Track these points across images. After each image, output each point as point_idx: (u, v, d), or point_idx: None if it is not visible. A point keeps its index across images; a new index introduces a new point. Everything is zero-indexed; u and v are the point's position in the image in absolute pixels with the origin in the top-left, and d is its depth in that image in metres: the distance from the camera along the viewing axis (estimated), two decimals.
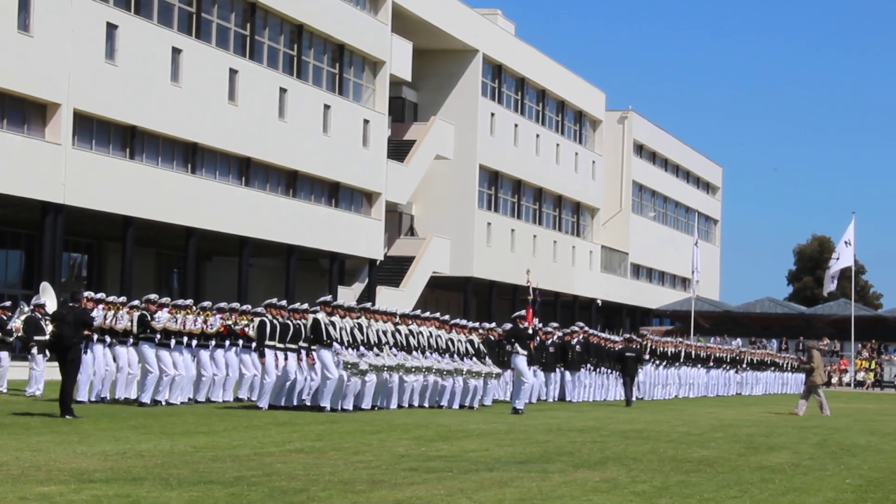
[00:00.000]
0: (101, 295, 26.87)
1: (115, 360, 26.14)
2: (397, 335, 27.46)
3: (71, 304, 21.90)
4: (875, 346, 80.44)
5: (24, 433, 17.84)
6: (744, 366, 53.52)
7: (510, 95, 72.02)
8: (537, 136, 74.74)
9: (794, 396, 54.39)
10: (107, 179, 42.74)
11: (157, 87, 45.03)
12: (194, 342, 26.37)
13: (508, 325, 32.10)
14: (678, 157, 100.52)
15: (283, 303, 26.92)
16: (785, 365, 60.11)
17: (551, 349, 35.92)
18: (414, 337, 28.03)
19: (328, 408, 24.88)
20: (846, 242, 74.02)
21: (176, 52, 45.94)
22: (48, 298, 28.86)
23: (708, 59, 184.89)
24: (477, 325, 32.10)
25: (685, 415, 30.72)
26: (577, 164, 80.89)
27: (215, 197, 48.12)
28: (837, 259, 74.36)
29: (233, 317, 27.36)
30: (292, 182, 53.68)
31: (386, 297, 55.93)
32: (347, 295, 53.22)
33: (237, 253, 50.62)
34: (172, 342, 25.60)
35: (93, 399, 25.73)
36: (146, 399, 24.98)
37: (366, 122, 57.70)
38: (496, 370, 30.57)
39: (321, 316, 25.26)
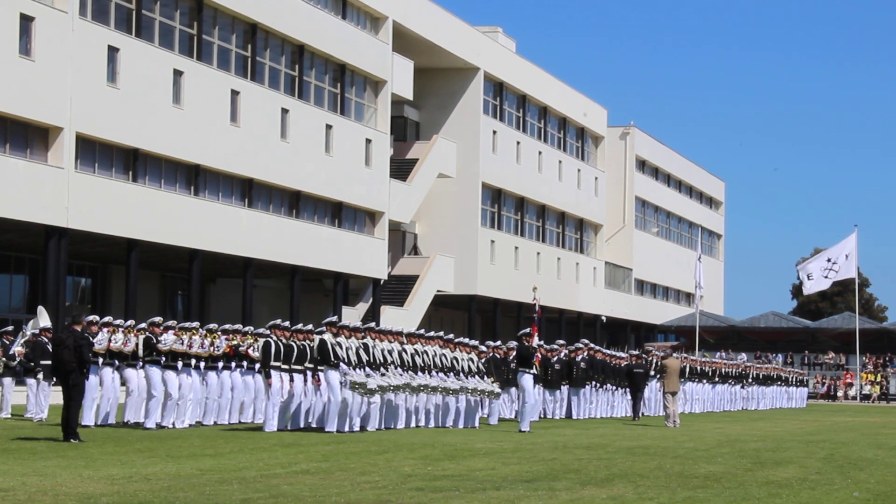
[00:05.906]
0: (107, 319, 26.88)
1: (123, 383, 26.13)
2: (403, 355, 27.43)
3: (72, 329, 21.77)
4: (880, 359, 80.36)
5: (29, 458, 17.82)
6: (749, 381, 53.43)
7: (512, 113, 72.07)
8: (539, 153, 74.75)
9: (800, 411, 54.40)
10: (110, 202, 42.75)
11: (159, 110, 45.08)
12: (202, 364, 26.36)
13: (513, 343, 32.10)
14: (680, 172, 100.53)
15: (287, 324, 26.90)
16: (791, 379, 60.01)
17: (556, 366, 35.88)
18: (419, 356, 28.01)
19: (334, 431, 24.83)
20: (846, 256, 73.88)
21: (177, 74, 46.00)
22: (46, 322, 28.95)
23: (709, 74, 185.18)
24: (477, 343, 32.02)
25: (691, 430, 30.69)
26: (579, 180, 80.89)
27: (218, 218, 48.13)
28: (831, 263, 73.74)
29: (237, 338, 27.37)
30: (295, 203, 53.69)
31: (390, 317, 55.91)
32: (352, 315, 53.18)
33: (241, 274, 50.61)
34: (180, 364, 25.60)
35: (99, 423, 25.72)
36: (150, 424, 24.93)
37: (368, 141, 57.75)
38: (497, 389, 30.45)
39: (328, 336, 25.24)
